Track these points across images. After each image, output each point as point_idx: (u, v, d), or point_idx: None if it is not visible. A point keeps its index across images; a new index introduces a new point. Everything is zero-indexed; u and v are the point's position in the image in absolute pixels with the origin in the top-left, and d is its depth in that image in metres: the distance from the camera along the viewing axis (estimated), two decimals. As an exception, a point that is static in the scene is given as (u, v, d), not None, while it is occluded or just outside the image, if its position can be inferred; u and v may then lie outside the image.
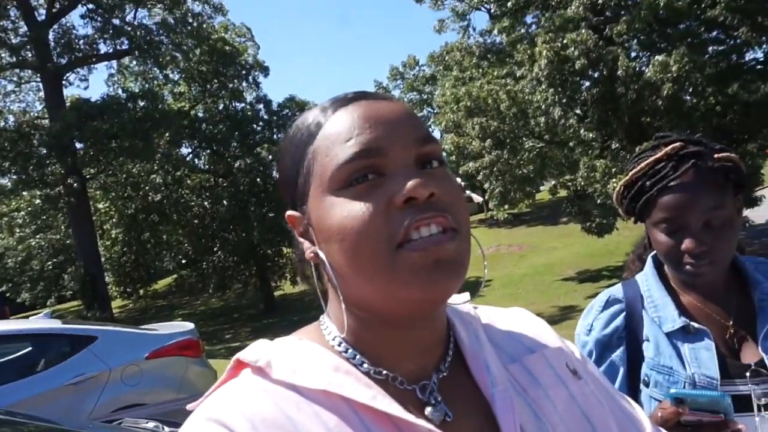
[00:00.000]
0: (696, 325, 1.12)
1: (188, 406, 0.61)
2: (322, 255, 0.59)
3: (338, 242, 0.56)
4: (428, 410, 0.59)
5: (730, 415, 0.83)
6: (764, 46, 13.61)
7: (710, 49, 12.98)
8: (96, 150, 17.30)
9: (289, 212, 0.63)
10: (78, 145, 17.35)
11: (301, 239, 0.63)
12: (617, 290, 1.24)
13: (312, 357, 0.59)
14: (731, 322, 1.13)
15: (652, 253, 1.25)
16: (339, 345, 0.61)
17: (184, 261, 22.30)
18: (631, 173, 1.17)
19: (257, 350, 0.61)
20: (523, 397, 0.62)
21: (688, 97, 13.16)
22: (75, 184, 16.78)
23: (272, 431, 0.54)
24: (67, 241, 21.00)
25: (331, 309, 0.63)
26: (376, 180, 0.55)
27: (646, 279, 1.22)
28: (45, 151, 16.82)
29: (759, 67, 13.80)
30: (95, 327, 5.14)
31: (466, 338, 0.64)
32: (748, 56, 13.89)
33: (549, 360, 0.67)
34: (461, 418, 0.59)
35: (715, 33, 13.42)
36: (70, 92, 20.16)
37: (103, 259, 19.54)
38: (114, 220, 21.10)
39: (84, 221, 17.86)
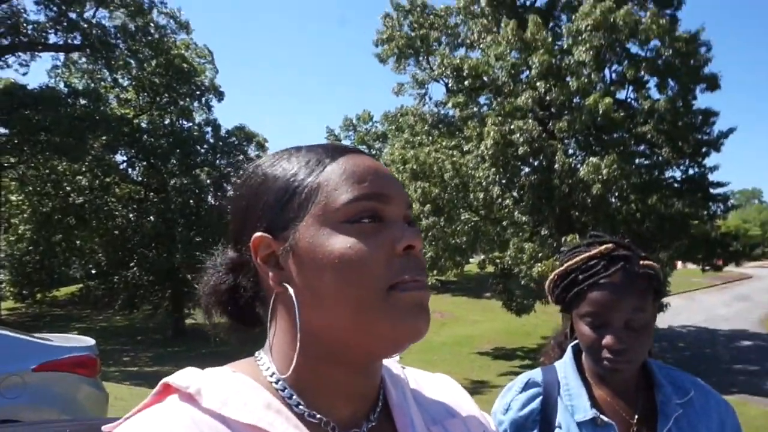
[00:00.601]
0: (604, 418, 1.19)
1: (103, 428, 0.59)
2: (290, 288, 0.59)
3: (335, 271, 0.57)
4: None
5: None
6: (682, 167, 15.07)
7: (637, 161, 14.21)
8: (22, 139, 16.28)
9: (259, 233, 0.61)
10: (2, 130, 16.28)
11: (261, 264, 0.62)
12: (536, 374, 1.29)
13: (245, 391, 0.59)
14: (635, 420, 1.20)
15: (573, 343, 1.32)
16: (276, 383, 0.61)
17: (94, 271, 20.92)
18: (565, 265, 1.24)
19: (188, 376, 0.59)
20: None
21: (614, 200, 14.19)
22: (-11, 170, 15.65)
23: None
24: (-34, 229, 19.33)
25: (277, 345, 0.62)
26: (378, 224, 0.60)
27: (565, 367, 1.28)
28: (-37, 130, 15.67)
29: (676, 185, 15.19)
30: (-21, 327, 4.67)
31: (394, 393, 0.66)
32: (668, 174, 15.31)
33: (468, 426, 0.70)
34: None
35: (642, 147, 14.75)
36: (5, 74, 19.08)
37: (2, 255, 18.02)
38: (25, 215, 19.65)
39: (-10, 211, 16.55)
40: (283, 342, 0.62)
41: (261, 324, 0.65)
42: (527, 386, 1.27)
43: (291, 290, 0.59)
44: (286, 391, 0.60)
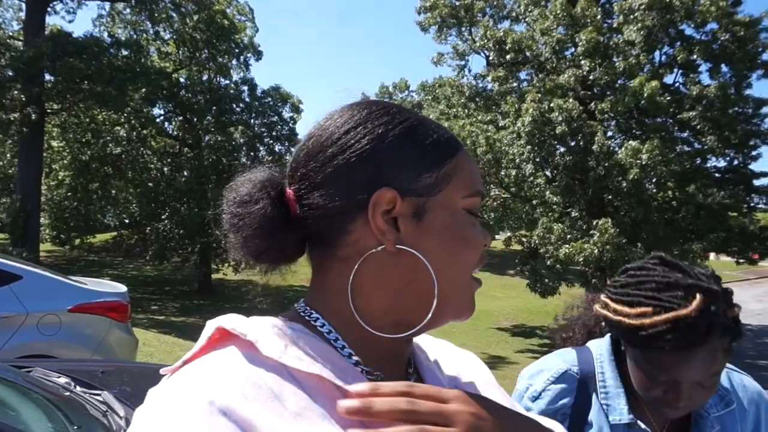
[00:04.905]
0: (642, 425, 1.10)
1: (162, 371, 0.57)
2: (419, 255, 0.58)
3: (455, 249, 0.61)
4: None
5: None
6: (727, 157, 14.54)
7: (678, 148, 13.76)
8: (65, 87, 16.63)
9: (392, 191, 0.58)
10: (47, 77, 16.64)
11: (376, 220, 0.58)
12: (572, 362, 1.17)
13: (305, 339, 0.57)
14: (664, 429, 1.13)
15: (610, 335, 1.18)
16: (329, 333, 0.59)
17: (127, 221, 21.55)
18: (649, 320, 0.98)
19: (245, 323, 0.57)
20: None
21: (650, 186, 13.83)
22: (33, 115, 16.04)
23: (273, 414, 0.50)
24: (9, 171, 20.00)
25: (358, 303, 0.60)
26: (476, 219, 0.65)
27: (602, 362, 1.16)
28: (11, 74, 16.05)
29: (717, 175, 14.69)
30: (22, 266, 4.82)
31: (422, 359, 0.68)
32: (710, 163, 14.79)
33: None
34: None
35: (685, 134, 14.25)
36: (52, 21, 19.36)
37: (43, 199, 18.65)
38: (65, 161, 20.21)
39: (33, 155, 17.04)
40: (368, 303, 0.60)
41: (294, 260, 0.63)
42: (562, 378, 1.15)
43: (422, 258, 0.59)
44: (338, 342, 0.59)
